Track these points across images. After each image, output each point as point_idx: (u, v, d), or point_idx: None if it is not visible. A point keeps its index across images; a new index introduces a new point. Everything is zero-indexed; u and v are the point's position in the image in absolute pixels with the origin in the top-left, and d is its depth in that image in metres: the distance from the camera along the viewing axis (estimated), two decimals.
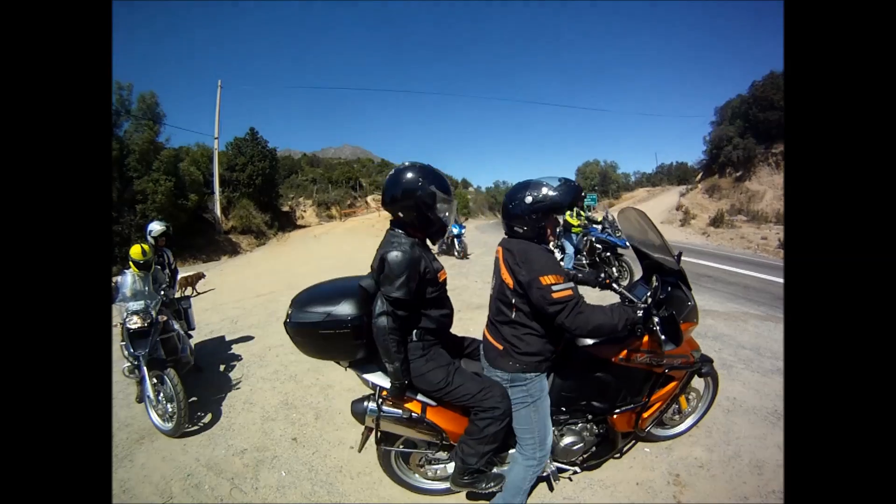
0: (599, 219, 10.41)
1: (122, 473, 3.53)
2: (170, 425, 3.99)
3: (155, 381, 4.15)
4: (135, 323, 4.27)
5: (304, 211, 37.30)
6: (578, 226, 9.98)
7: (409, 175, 2.41)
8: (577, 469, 2.96)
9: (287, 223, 31.79)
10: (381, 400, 2.59)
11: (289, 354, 5.87)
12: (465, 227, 14.90)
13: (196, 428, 4.15)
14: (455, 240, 14.07)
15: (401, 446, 2.89)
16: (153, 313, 4.49)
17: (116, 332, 4.54)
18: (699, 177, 47.73)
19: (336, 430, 3.96)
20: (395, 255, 2.30)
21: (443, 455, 2.88)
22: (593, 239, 9.65)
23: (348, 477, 3.30)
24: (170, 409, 4.01)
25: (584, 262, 9.80)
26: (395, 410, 2.61)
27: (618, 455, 3.14)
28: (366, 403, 2.62)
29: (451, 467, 2.83)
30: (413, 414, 2.59)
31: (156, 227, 5.72)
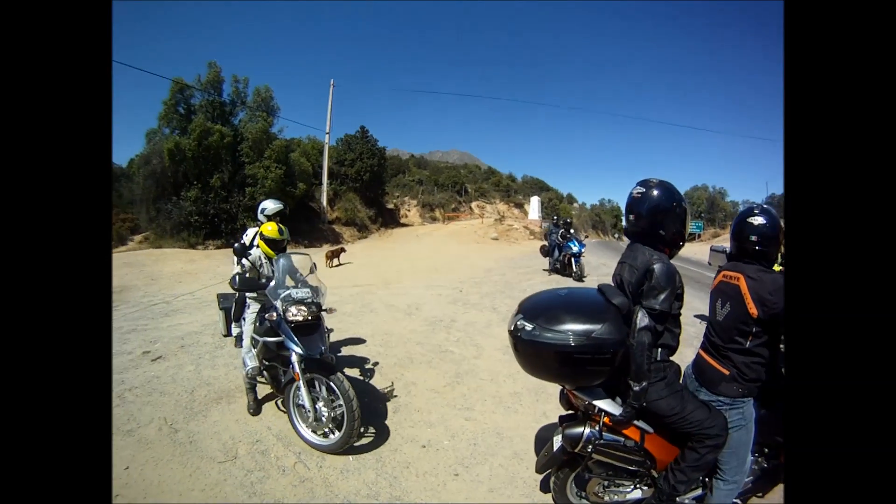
0: None
1: (193, 426, 3.75)
2: (330, 439, 3.52)
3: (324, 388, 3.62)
4: (295, 315, 3.62)
5: (409, 210, 38.34)
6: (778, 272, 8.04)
7: (667, 191, 2.49)
8: None
9: (390, 220, 32.82)
10: (599, 426, 2.51)
11: (378, 346, 6.01)
12: (584, 246, 14.03)
13: (366, 442, 3.72)
14: (573, 259, 13.12)
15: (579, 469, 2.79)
16: (322, 303, 3.95)
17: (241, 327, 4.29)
18: None
19: (411, 426, 3.96)
20: (661, 266, 2.35)
21: (626, 482, 2.78)
22: None
23: (414, 475, 3.29)
24: (325, 420, 3.53)
25: None
26: (616, 437, 2.53)
27: (760, 495, 2.92)
28: (583, 430, 2.50)
29: (632, 494, 2.79)
30: (632, 441, 2.53)
31: (270, 204, 5.16)
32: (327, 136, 27.57)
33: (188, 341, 5.96)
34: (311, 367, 3.57)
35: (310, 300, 3.79)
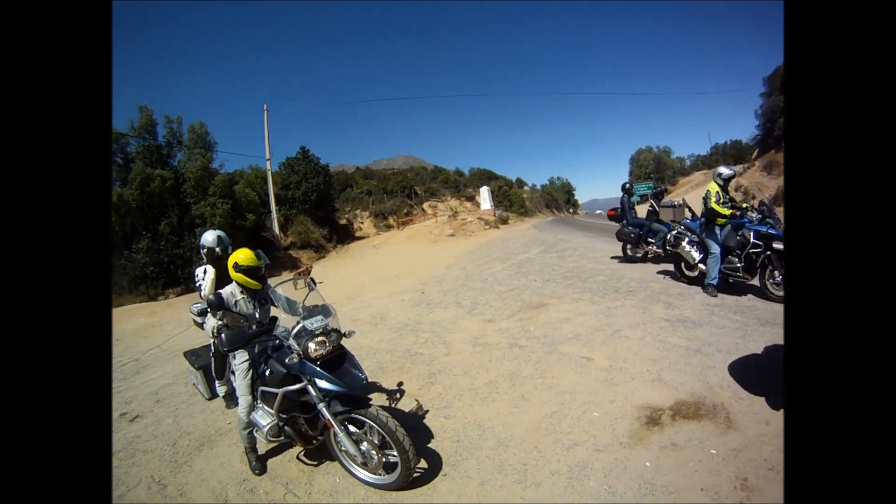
0: (745, 205, 7.53)
1: (180, 478, 3.73)
2: (393, 474, 3.18)
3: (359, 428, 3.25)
4: (317, 350, 3.14)
5: (362, 223, 38.08)
6: (728, 216, 7.19)
7: None
8: None
9: (345, 236, 32.52)
10: None
11: None
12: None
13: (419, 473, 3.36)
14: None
15: None
16: (343, 331, 3.41)
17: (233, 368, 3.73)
18: (755, 154, 45.73)
19: None
20: None
21: None
22: (751, 234, 6.85)
23: None
24: (376, 458, 3.19)
25: (738, 264, 7.01)
26: None
27: None
28: None
29: None
30: None
31: (208, 237, 4.59)
32: (268, 162, 27.13)
33: (163, 394, 5.86)
34: (338, 408, 3.14)
35: (328, 327, 3.31)
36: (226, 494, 3.44)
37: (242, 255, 3.55)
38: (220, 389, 4.31)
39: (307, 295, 3.61)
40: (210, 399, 4.56)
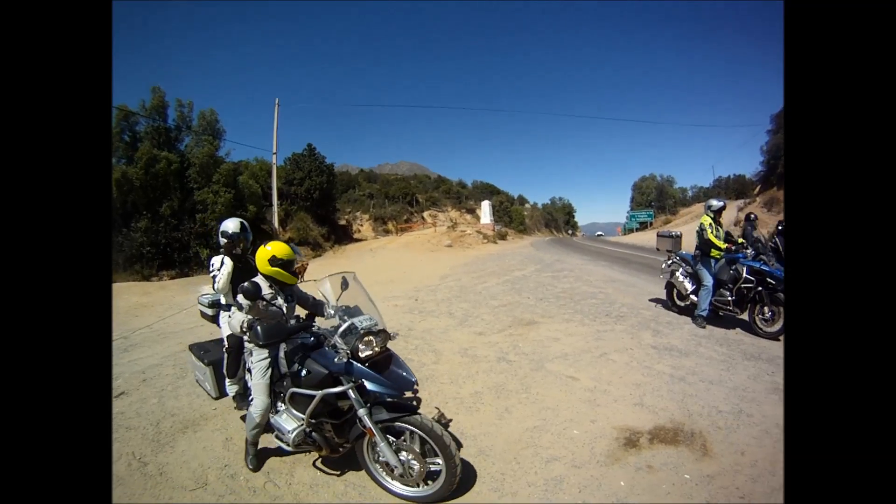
0: (741, 240, 7.59)
1: (162, 458, 3.73)
2: (430, 486, 3.02)
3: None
4: (365, 350, 2.97)
5: (361, 225, 38.22)
6: (724, 249, 7.19)
7: None
8: None
9: (343, 236, 32.60)
10: None
11: None
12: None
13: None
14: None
15: None
16: (389, 332, 3.21)
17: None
18: (757, 190, 45.98)
19: None
20: None
21: None
22: (744, 269, 6.87)
23: None
24: (418, 470, 2.98)
25: (729, 298, 7.08)
26: None
27: None
28: None
29: None
30: None
31: (230, 224, 4.32)
32: (274, 156, 27.19)
33: (149, 374, 5.85)
34: (383, 415, 2.92)
35: (375, 327, 3.12)
36: (206, 478, 3.45)
37: (280, 249, 3.35)
38: (231, 389, 4.10)
39: (340, 294, 3.48)
40: (217, 398, 4.40)
